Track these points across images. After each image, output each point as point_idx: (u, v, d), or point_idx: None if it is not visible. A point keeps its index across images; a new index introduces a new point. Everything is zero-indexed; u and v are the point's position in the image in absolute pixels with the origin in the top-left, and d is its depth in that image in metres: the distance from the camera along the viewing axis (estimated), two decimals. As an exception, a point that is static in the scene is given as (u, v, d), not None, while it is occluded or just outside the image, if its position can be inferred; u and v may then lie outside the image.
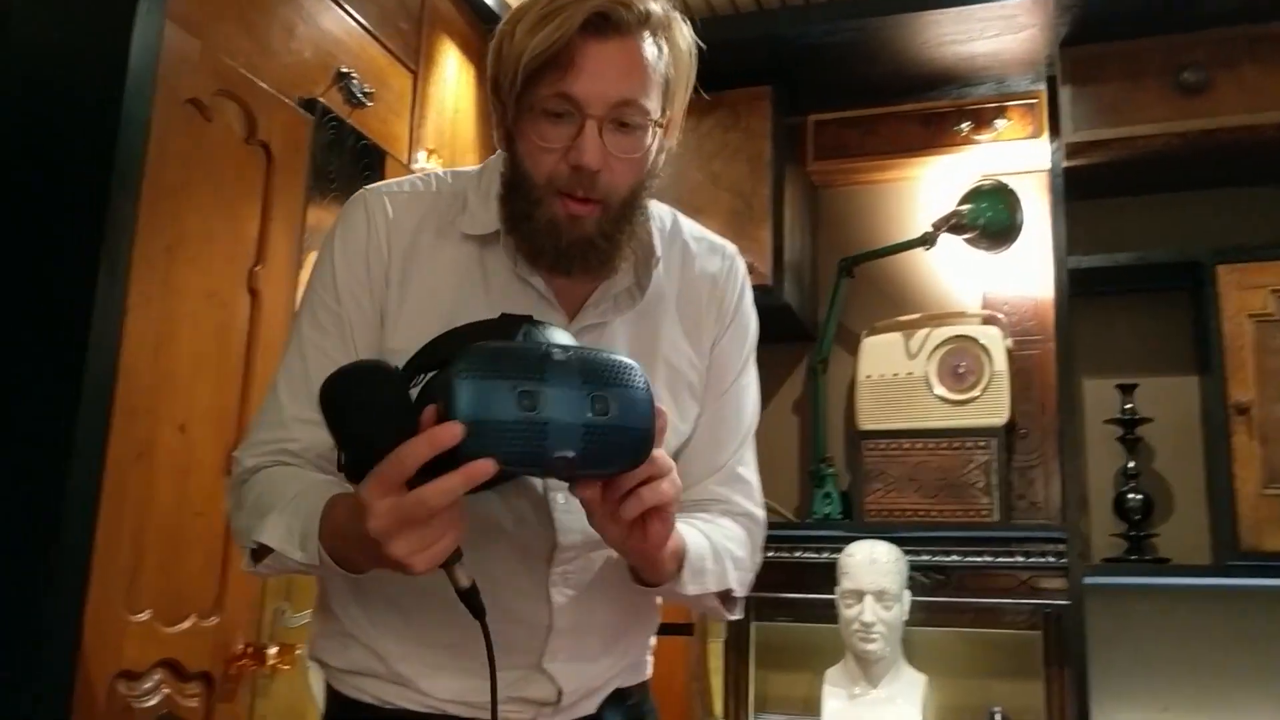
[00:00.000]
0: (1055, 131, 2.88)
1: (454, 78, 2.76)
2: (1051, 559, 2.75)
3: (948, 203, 3.03)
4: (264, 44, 2.04)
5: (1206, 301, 2.71)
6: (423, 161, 2.56)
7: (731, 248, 1.28)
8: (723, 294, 1.23)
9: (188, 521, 1.78)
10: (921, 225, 3.05)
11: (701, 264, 1.23)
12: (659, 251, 1.16)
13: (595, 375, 0.89)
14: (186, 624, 1.76)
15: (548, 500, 1.09)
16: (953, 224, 2.97)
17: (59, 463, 1.55)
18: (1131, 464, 2.86)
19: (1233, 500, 2.58)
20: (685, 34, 1.10)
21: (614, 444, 0.89)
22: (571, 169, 1.03)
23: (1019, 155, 3.05)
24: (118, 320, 1.64)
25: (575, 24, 1.00)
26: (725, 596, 1.15)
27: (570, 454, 0.87)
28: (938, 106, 3.13)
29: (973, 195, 2.98)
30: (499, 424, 0.85)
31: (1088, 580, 2.67)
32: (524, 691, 1.11)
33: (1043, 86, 3.00)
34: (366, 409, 0.89)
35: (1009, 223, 2.95)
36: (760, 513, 1.23)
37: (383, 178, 2.31)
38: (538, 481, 1.08)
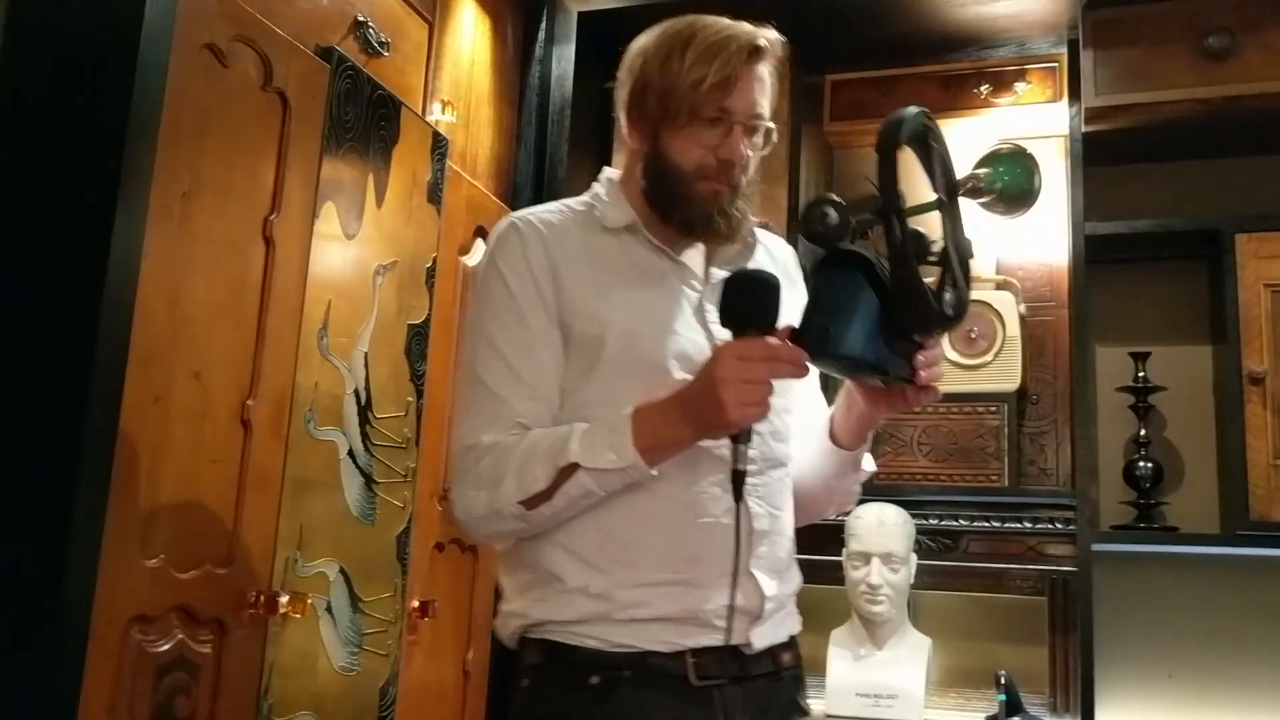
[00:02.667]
0: (1076, 96, 2.85)
1: (470, 29, 2.74)
2: (1060, 525, 2.76)
3: (965, 166, 3.01)
4: (281, -10, 2.02)
5: (1224, 270, 2.69)
6: (438, 113, 2.54)
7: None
8: (796, 272, 1.56)
9: (202, 468, 1.78)
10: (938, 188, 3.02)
11: (778, 246, 1.56)
12: (754, 222, 1.49)
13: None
14: (200, 570, 1.77)
15: None
16: (969, 187, 2.94)
17: (76, 408, 1.56)
18: (1143, 432, 2.85)
19: (1244, 470, 2.58)
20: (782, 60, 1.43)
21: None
22: (719, 161, 1.37)
23: (1038, 119, 3.02)
24: (134, 266, 1.63)
25: (744, 58, 1.35)
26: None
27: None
28: (957, 68, 3.09)
29: (991, 159, 2.96)
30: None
31: (1096, 547, 2.67)
32: (733, 598, 1.29)
33: (1064, 50, 2.97)
34: (767, 300, 1.22)
35: (1027, 187, 2.93)
36: None
37: (398, 129, 2.30)
38: None
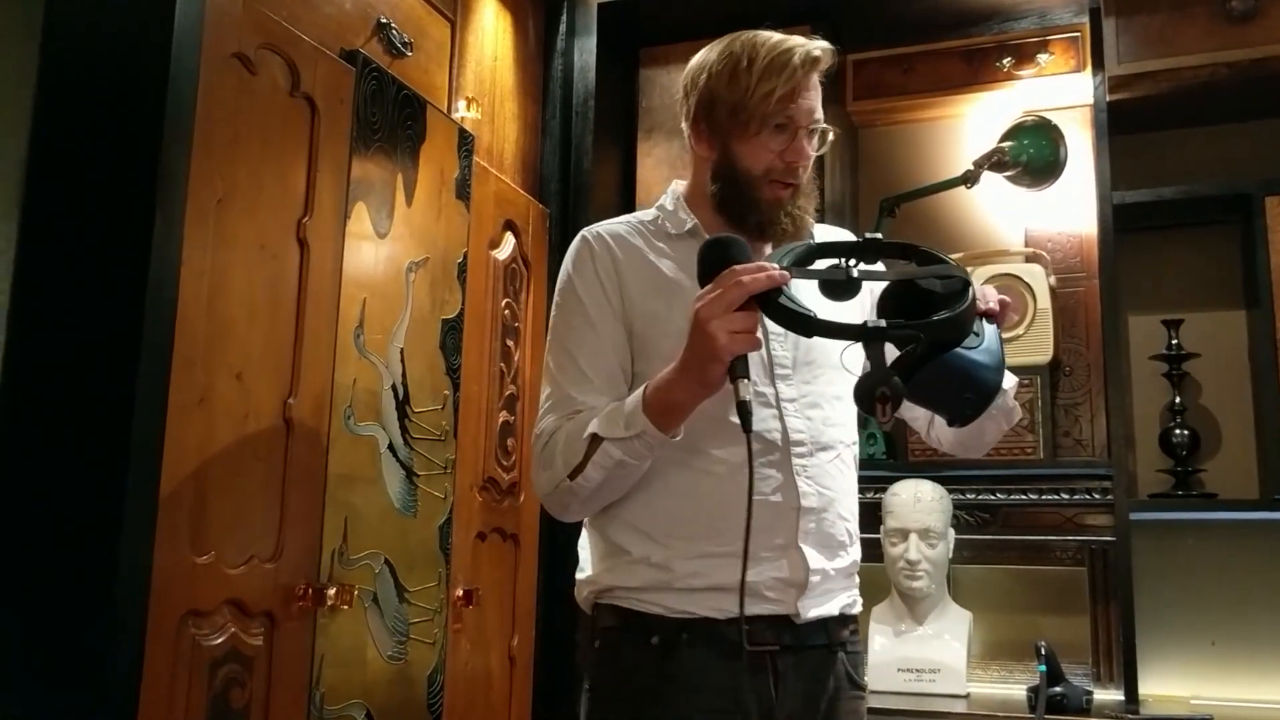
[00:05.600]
0: (1099, 65, 2.83)
1: (492, 25, 2.77)
2: (1097, 496, 2.76)
3: (990, 140, 3.00)
4: (305, -3, 2.06)
5: (1255, 234, 2.67)
6: (463, 111, 2.58)
7: None
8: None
9: (247, 466, 1.83)
10: (963, 163, 3.02)
11: (837, 237, 1.64)
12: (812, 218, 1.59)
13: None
14: (249, 565, 1.82)
15: (779, 407, 1.49)
16: (995, 161, 2.94)
17: (123, 412, 1.61)
18: (1178, 400, 2.84)
19: (1281, 434, 2.57)
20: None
21: None
22: (786, 164, 1.50)
23: (1062, 90, 3.01)
24: (174, 272, 1.68)
25: (807, 69, 1.49)
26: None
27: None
28: (979, 42, 3.08)
29: (1015, 132, 2.95)
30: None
31: (1134, 516, 2.67)
32: (781, 572, 1.45)
33: (1085, 19, 2.94)
34: (730, 247, 1.33)
35: (1052, 159, 2.92)
36: None
37: (424, 127, 2.34)
38: (771, 391, 1.49)
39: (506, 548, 2.65)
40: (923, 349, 1.25)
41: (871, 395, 1.22)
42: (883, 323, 1.25)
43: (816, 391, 1.53)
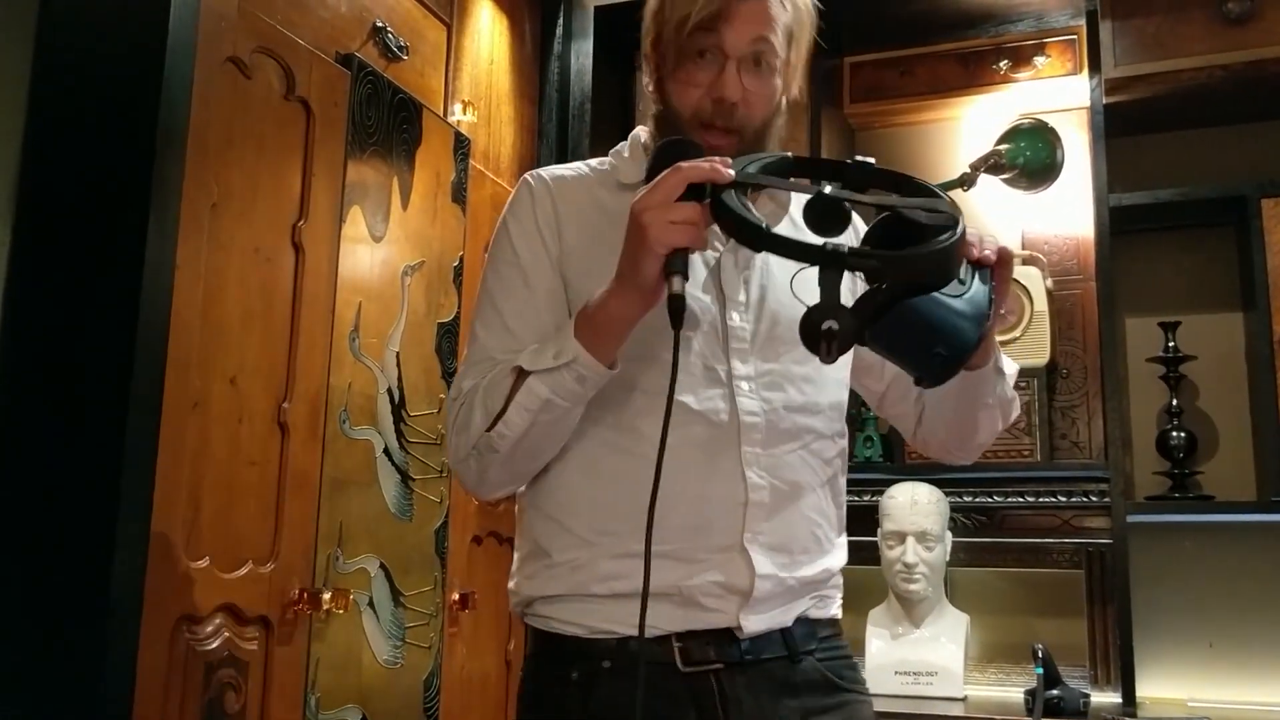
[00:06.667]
0: (1095, 67, 2.83)
1: (488, 29, 2.77)
2: (1094, 498, 2.76)
3: (986, 143, 3.00)
4: (299, 0, 2.06)
5: (1251, 236, 2.67)
6: (459, 114, 2.58)
7: None
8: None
9: (242, 471, 1.83)
10: (960, 166, 3.03)
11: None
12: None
13: None
14: (244, 570, 1.82)
15: (731, 386, 1.25)
16: (991, 164, 2.94)
17: (117, 416, 1.61)
18: (1175, 402, 2.84)
19: (1278, 436, 2.57)
20: None
21: None
22: (714, 102, 1.25)
23: (1059, 92, 3.01)
24: (168, 277, 1.68)
25: None
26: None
27: None
28: (976, 45, 3.08)
29: (1011, 134, 2.95)
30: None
31: (1131, 518, 2.66)
32: (723, 575, 1.21)
33: (1082, 21, 2.94)
34: (686, 147, 1.16)
35: (1049, 161, 2.92)
36: None
37: (420, 131, 2.34)
38: (724, 364, 1.26)
39: (502, 551, 2.64)
40: (890, 289, 1.07)
41: (817, 329, 1.04)
42: (845, 246, 1.04)
43: (779, 371, 1.28)
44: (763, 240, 1.07)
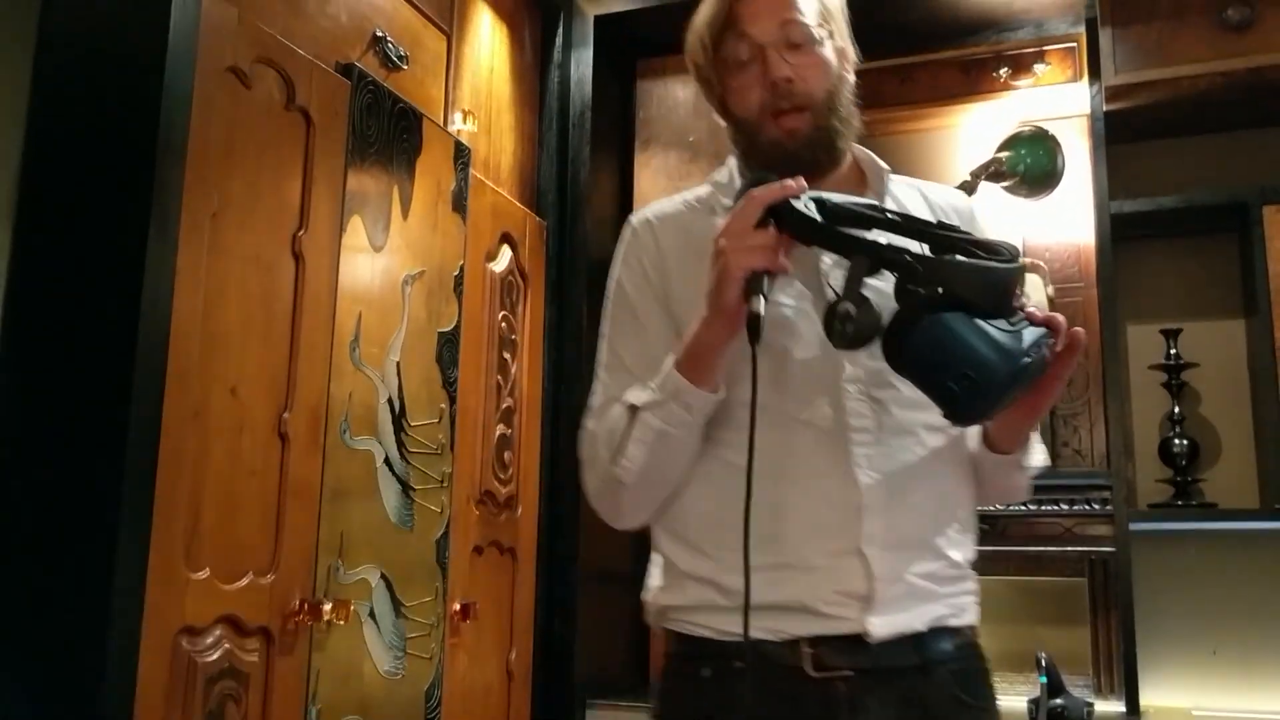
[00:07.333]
0: (1096, 75, 2.84)
1: (488, 38, 2.77)
2: (1097, 506, 2.75)
3: (987, 150, 3.00)
4: (299, 10, 2.06)
5: (1253, 243, 2.67)
6: (459, 123, 2.58)
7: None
8: (973, 222, 1.39)
9: (242, 481, 1.82)
10: (961, 174, 3.02)
11: (947, 198, 1.44)
12: (886, 167, 1.39)
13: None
14: (244, 581, 1.81)
15: (838, 390, 1.25)
16: (992, 172, 2.94)
17: (117, 426, 1.60)
18: (1177, 409, 2.83)
19: (1281, 443, 2.57)
20: None
21: None
22: (769, 89, 1.28)
23: (1059, 100, 3.01)
24: (168, 286, 1.68)
25: None
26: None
27: None
28: (976, 53, 3.09)
29: (1012, 142, 2.95)
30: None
31: (1134, 526, 2.66)
32: (840, 583, 1.20)
33: (1082, 29, 2.95)
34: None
35: (1050, 169, 2.92)
36: None
37: (420, 140, 2.33)
38: (831, 369, 1.25)
39: (504, 561, 2.64)
40: (927, 295, 1.05)
41: (832, 315, 1.06)
42: (886, 241, 1.06)
43: (887, 368, 1.19)
44: (819, 234, 1.12)
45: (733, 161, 1.42)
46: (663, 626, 1.33)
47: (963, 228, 1.18)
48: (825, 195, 1.16)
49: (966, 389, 1.05)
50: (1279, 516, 2.61)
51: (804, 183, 1.15)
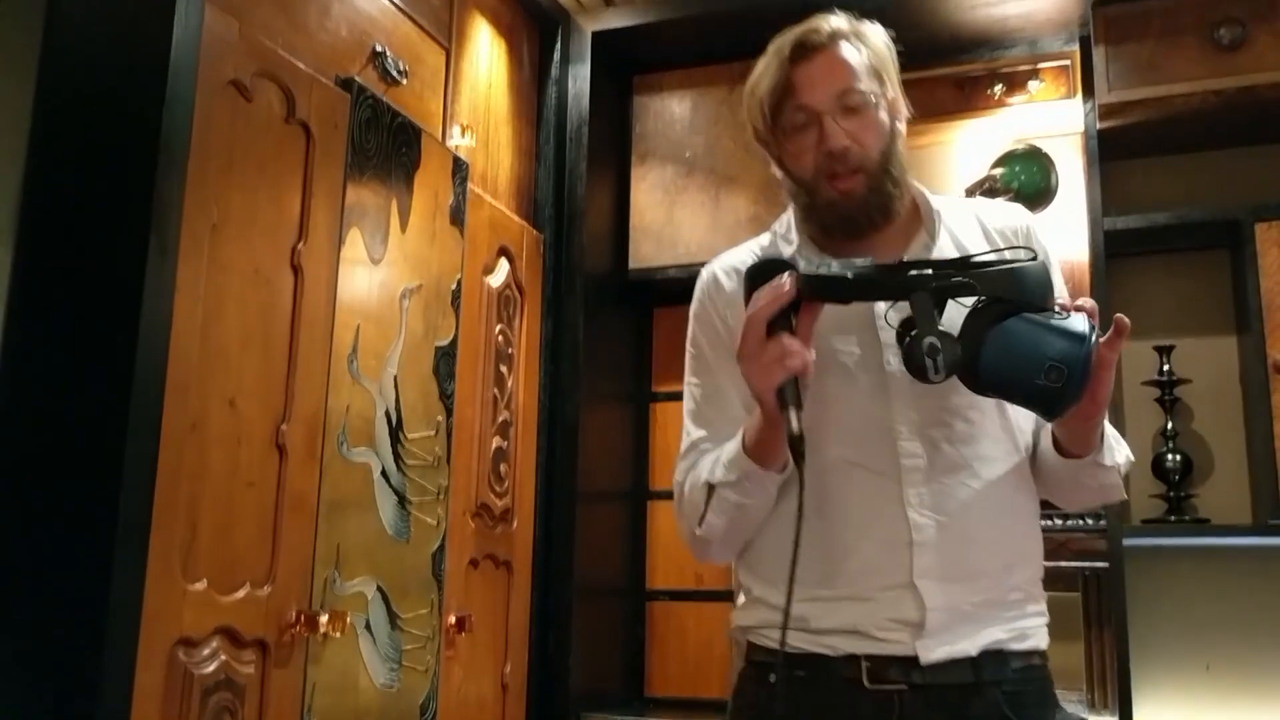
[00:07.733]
0: (1089, 92, 2.86)
1: (486, 52, 2.78)
2: (1090, 521, 2.75)
3: (981, 167, 3.02)
4: (300, 24, 2.07)
5: (1245, 260, 2.69)
6: (457, 137, 2.59)
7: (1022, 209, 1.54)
8: (1031, 238, 1.46)
9: (240, 493, 1.82)
10: (955, 190, 3.04)
11: (1003, 218, 1.48)
12: (935, 206, 1.43)
13: None
14: (241, 593, 1.81)
15: (892, 431, 1.31)
16: (986, 188, 2.95)
17: (116, 437, 1.60)
18: (1170, 425, 2.85)
19: (1273, 459, 2.57)
20: (876, 32, 1.41)
21: None
22: (825, 156, 1.33)
23: (1053, 117, 3.03)
24: (168, 299, 1.68)
25: (785, 58, 1.35)
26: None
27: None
28: (971, 70, 3.10)
29: (1006, 159, 2.96)
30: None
31: (1127, 542, 2.67)
32: (896, 611, 1.28)
33: (1076, 47, 2.97)
34: (757, 279, 1.22)
35: (1043, 186, 2.94)
36: None
37: (419, 154, 2.35)
38: (884, 412, 1.31)
39: (499, 574, 2.64)
40: (988, 307, 1.09)
41: (920, 349, 1.08)
42: (927, 270, 1.09)
43: (939, 405, 1.32)
44: (849, 290, 1.16)
45: (791, 211, 1.48)
46: (740, 640, 1.45)
47: (1021, 245, 1.27)
48: (820, 266, 1.20)
49: (1056, 379, 1.10)
50: (1272, 532, 2.61)
51: (793, 278, 1.19)
